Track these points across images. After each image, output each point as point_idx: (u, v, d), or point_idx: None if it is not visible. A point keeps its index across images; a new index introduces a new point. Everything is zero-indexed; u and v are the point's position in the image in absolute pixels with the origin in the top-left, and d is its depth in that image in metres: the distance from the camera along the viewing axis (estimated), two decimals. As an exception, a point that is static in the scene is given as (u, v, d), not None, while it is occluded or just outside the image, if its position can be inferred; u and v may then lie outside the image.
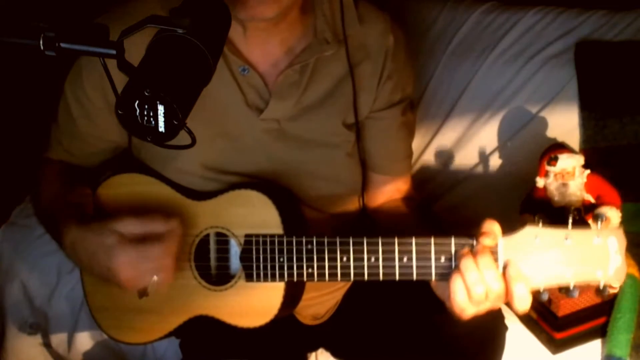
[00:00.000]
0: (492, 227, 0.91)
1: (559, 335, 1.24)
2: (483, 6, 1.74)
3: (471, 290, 0.90)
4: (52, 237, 1.12)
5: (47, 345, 1.42)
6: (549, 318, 1.24)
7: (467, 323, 0.95)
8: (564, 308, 1.21)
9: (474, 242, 0.92)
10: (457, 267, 0.92)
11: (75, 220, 1.04)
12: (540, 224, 0.90)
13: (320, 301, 1.24)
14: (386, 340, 1.17)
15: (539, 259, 0.90)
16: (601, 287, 0.90)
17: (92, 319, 1.15)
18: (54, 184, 1.17)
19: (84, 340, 1.40)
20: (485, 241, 0.91)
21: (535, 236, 0.90)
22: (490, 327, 1.12)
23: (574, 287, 0.90)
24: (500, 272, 0.91)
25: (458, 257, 0.92)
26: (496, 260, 0.91)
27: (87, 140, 1.17)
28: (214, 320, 1.09)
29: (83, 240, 1.01)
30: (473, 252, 0.91)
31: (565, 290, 0.90)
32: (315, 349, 1.32)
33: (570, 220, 0.89)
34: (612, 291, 1.12)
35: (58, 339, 1.41)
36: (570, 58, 1.60)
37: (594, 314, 1.25)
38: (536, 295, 0.91)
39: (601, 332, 1.26)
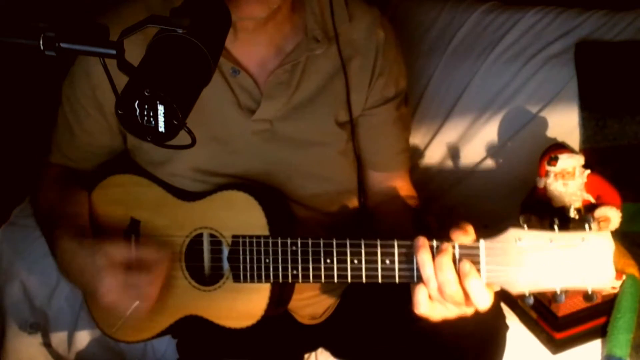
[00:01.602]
0: (463, 223, 0.91)
1: (559, 335, 1.24)
2: (483, 6, 1.74)
3: (427, 285, 0.89)
4: (47, 243, 1.12)
5: (47, 345, 1.42)
6: (549, 318, 1.24)
7: (469, 322, 0.95)
8: (564, 308, 1.21)
9: (455, 245, 0.91)
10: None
11: (69, 232, 1.05)
12: (525, 227, 0.88)
13: (317, 301, 1.24)
14: (386, 340, 1.17)
15: (522, 263, 0.88)
16: (589, 293, 0.87)
17: (91, 318, 1.16)
18: (52, 189, 1.17)
19: (84, 340, 1.40)
20: (455, 234, 0.90)
21: (518, 239, 0.88)
22: (491, 327, 1.12)
23: (561, 292, 0.88)
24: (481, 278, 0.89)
25: (416, 250, 0.91)
26: (478, 263, 0.89)
27: (83, 145, 1.18)
28: (204, 320, 1.09)
29: (74, 254, 1.02)
30: (436, 251, 0.90)
31: (551, 295, 0.88)
32: (314, 348, 1.32)
33: (556, 222, 0.87)
34: (611, 291, 1.11)
35: (58, 339, 1.41)
36: (570, 58, 1.60)
37: (594, 314, 1.25)
38: (522, 299, 0.90)
39: (601, 332, 1.26)
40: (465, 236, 0.90)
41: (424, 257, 0.90)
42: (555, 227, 0.87)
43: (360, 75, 1.15)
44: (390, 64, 1.17)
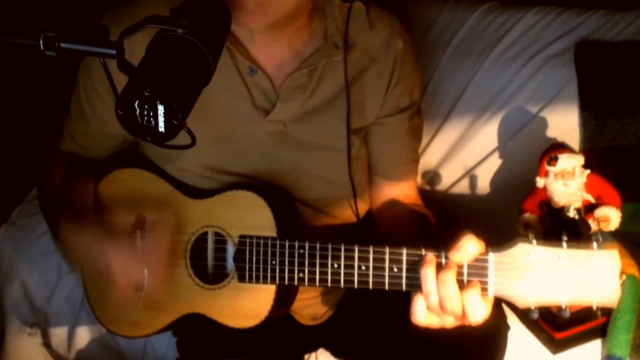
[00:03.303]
0: (465, 242, 0.90)
1: (559, 335, 1.24)
2: (483, 6, 1.74)
3: (427, 298, 0.90)
4: (49, 229, 1.12)
5: (47, 345, 1.42)
6: (549, 318, 1.24)
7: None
8: (564, 308, 1.21)
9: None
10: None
11: (79, 224, 1.04)
12: (534, 242, 0.88)
13: (319, 301, 1.24)
14: (387, 340, 1.17)
15: (530, 278, 0.89)
16: (594, 309, 0.88)
17: (91, 315, 1.16)
18: (60, 175, 1.17)
19: (84, 340, 1.40)
20: (454, 256, 0.90)
21: (527, 254, 0.88)
22: (492, 327, 1.11)
23: (566, 307, 0.89)
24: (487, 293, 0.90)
25: (421, 264, 0.91)
26: (486, 275, 0.90)
27: (95, 133, 1.18)
28: (207, 318, 1.09)
29: (78, 234, 1.02)
30: (443, 266, 0.91)
31: (556, 310, 0.89)
32: (314, 349, 1.32)
33: (564, 238, 0.88)
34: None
35: (58, 339, 1.41)
36: (570, 58, 1.60)
37: (594, 314, 1.25)
38: (527, 313, 0.90)
39: (601, 332, 1.26)
40: (462, 256, 0.90)
41: (427, 271, 0.90)
42: (564, 243, 0.88)
43: (376, 83, 1.15)
44: (407, 74, 1.17)
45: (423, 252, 0.94)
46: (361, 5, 1.12)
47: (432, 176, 1.68)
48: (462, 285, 0.90)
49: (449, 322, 0.92)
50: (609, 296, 0.87)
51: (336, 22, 1.10)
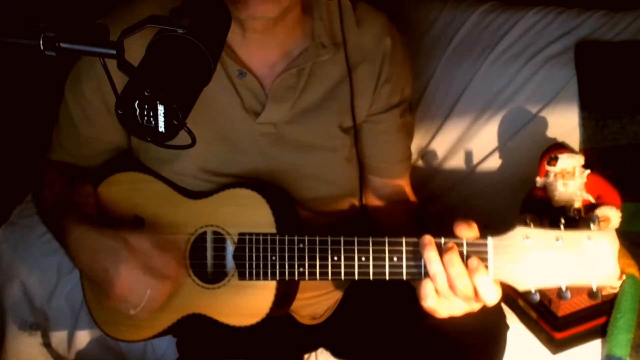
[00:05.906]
0: (470, 220, 0.93)
1: (559, 335, 1.24)
2: (483, 6, 1.74)
3: (434, 280, 0.91)
4: (54, 236, 1.12)
5: (47, 345, 1.42)
6: (549, 318, 1.24)
7: (469, 322, 0.95)
8: (564, 308, 1.21)
9: (464, 242, 0.92)
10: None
11: (84, 219, 1.04)
12: (532, 225, 0.89)
13: (318, 301, 1.24)
14: (386, 340, 1.17)
15: (529, 260, 0.89)
16: (594, 290, 0.89)
17: (91, 317, 1.16)
18: (56, 185, 1.17)
19: (84, 340, 1.40)
20: (462, 230, 0.92)
21: (525, 237, 0.89)
22: (492, 326, 1.12)
23: (566, 289, 0.89)
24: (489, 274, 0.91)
25: (422, 247, 0.92)
26: (485, 260, 0.91)
27: (87, 142, 1.18)
28: (207, 318, 1.09)
29: (88, 239, 1.02)
30: (443, 248, 0.92)
31: (557, 293, 0.90)
32: (314, 348, 1.32)
33: (562, 221, 0.89)
34: (611, 291, 1.12)
35: (58, 339, 1.41)
36: (570, 58, 1.60)
37: (594, 314, 1.25)
38: (527, 296, 0.91)
39: (601, 332, 1.26)
40: (469, 230, 0.92)
41: (430, 253, 0.91)
42: (561, 225, 0.89)
43: (366, 81, 1.15)
44: (397, 71, 1.18)
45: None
46: (348, 3, 1.13)
47: (432, 176, 1.68)
48: None
49: (459, 306, 0.93)
50: (609, 275, 0.88)
51: (323, 21, 1.11)
